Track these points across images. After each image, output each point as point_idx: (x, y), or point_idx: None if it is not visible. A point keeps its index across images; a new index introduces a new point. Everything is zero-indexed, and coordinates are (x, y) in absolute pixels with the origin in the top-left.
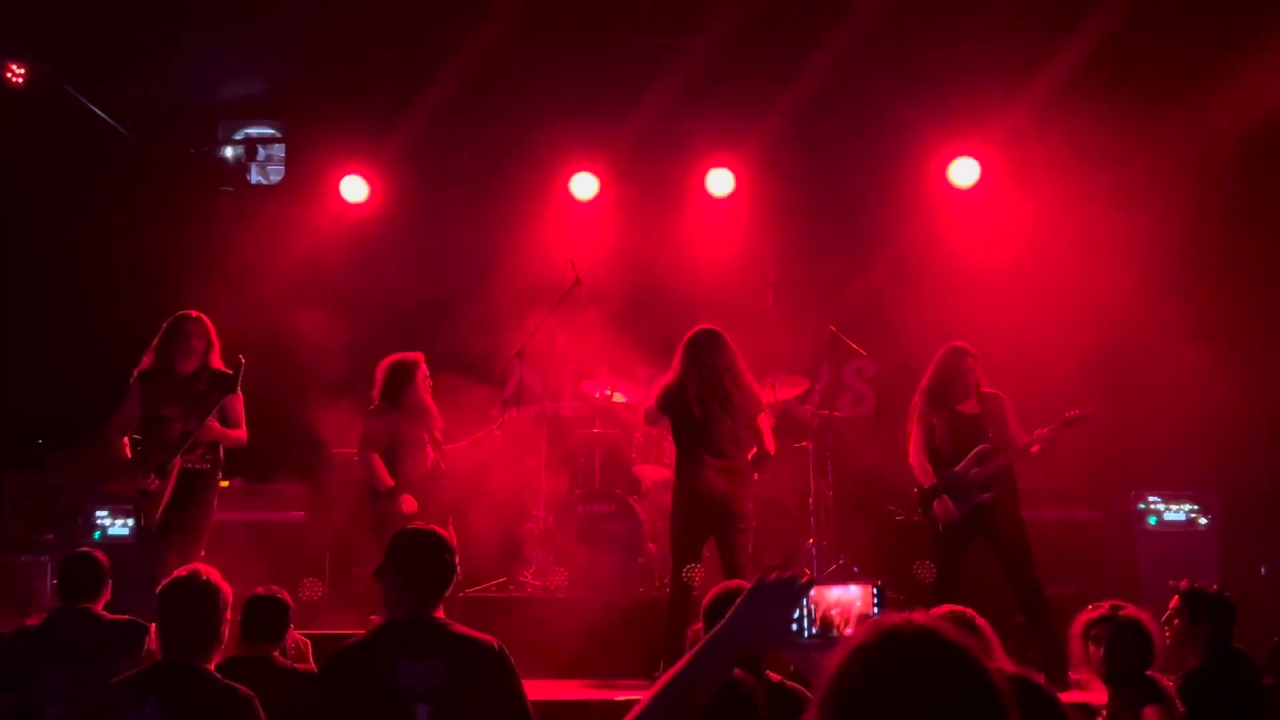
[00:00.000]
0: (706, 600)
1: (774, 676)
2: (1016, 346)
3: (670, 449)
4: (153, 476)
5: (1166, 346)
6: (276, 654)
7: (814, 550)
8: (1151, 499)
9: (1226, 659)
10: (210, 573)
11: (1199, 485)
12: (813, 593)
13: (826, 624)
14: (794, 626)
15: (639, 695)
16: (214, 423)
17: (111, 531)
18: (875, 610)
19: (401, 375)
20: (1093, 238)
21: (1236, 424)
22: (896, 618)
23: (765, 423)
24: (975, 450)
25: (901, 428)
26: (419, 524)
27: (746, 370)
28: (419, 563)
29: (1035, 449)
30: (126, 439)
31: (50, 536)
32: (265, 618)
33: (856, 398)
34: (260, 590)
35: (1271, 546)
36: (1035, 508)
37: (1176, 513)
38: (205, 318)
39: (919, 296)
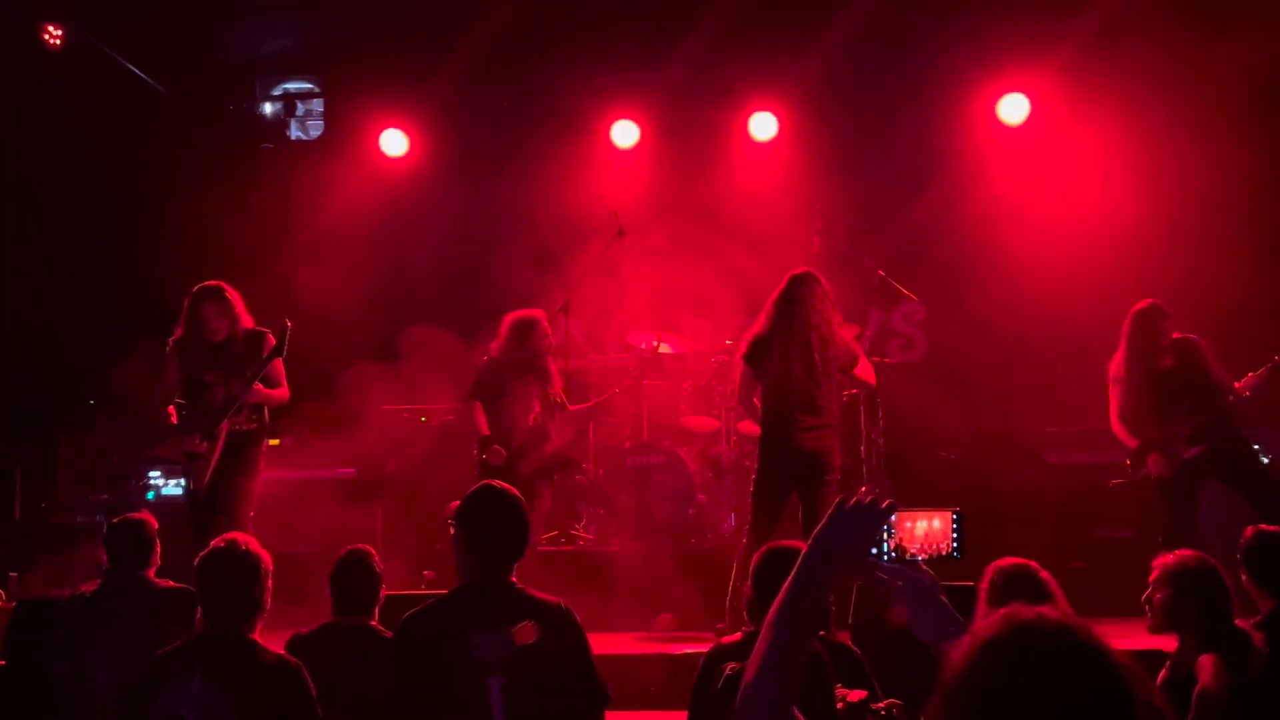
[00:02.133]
0: (754, 561)
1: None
2: (1070, 284)
3: (719, 399)
4: (199, 439)
5: (1225, 282)
6: (375, 622)
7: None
8: None
9: None
10: (248, 541)
11: (1260, 423)
12: (892, 518)
13: (903, 549)
14: (873, 550)
15: (696, 649)
16: (258, 384)
17: (165, 492)
18: (955, 535)
19: (517, 331)
20: (1148, 171)
21: None
22: (1027, 613)
23: (863, 367)
24: (1182, 406)
25: (954, 372)
26: (495, 482)
27: (840, 321)
28: (489, 524)
29: (1246, 395)
30: (171, 406)
31: (104, 497)
32: (354, 585)
33: (906, 342)
34: (346, 554)
35: None
36: (1090, 451)
37: None
38: (224, 286)
39: (970, 237)
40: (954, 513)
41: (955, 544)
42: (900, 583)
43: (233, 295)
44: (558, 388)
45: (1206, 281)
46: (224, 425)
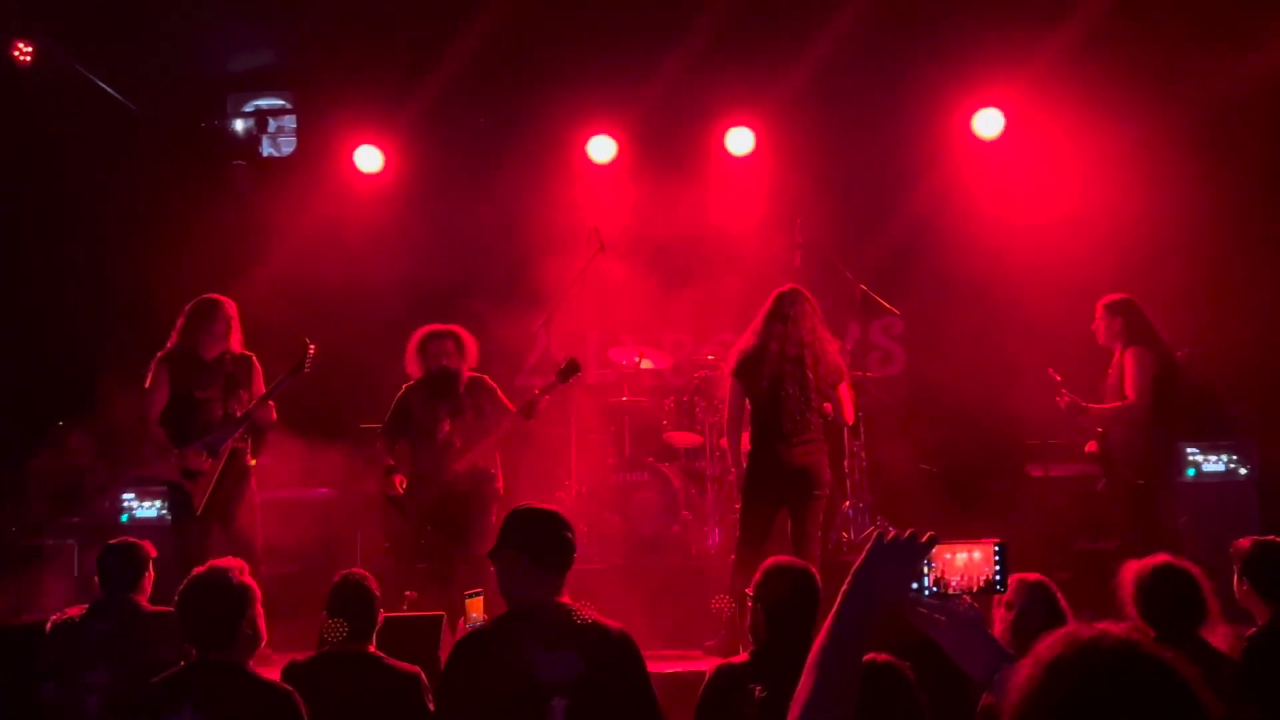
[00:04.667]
0: (756, 578)
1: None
2: (1048, 295)
3: (701, 415)
4: (205, 456)
5: (1201, 293)
6: (373, 648)
7: (850, 512)
8: (1189, 450)
9: None
10: (233, 569)
11: (1238, 434)
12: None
13: (944, 582)
14: (914, 585)
15: (685, 667)
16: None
17: (139, 514)
18: (997, 567)
19: (416, 351)
20: (1124, 183)
21: (1276, 369)
22: (1088, 630)
23: (846, 393)
24: None
25: (933, 384)
26: (535, 503)
27: (829, 337)
28: (540, 542)
29: None
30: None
31: (76, 519)
32: (351, 611)
33: (885, 356)
34: (339, 579)
35: None
36: (1070, 463)
37: (1215, 463)
38: (228, 301)
39: (948, 251)
40: (996, 544)
41: (998, 575)
42: (942, 618)
43: (234, 311)
44: (457, 391)
45: (1184, 291)
46: (228, 444)
